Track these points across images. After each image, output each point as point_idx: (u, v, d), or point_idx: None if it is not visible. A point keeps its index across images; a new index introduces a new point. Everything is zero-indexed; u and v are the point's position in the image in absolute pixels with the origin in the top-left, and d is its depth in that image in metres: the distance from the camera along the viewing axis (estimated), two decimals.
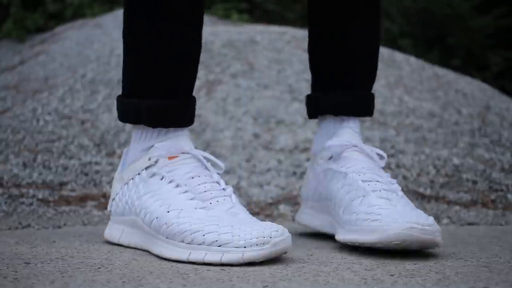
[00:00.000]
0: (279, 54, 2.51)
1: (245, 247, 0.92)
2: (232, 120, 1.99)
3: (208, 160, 1.05)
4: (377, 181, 1.08)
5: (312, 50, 1.20)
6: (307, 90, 2.26)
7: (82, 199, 1.47)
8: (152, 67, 1.04)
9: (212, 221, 0.95)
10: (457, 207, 1.54)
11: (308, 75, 2.37)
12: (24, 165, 1.63)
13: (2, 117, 1.95)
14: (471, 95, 2.44)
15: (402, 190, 1.58)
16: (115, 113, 2.01)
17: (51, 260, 0.93)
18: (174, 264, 0.93)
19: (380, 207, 1.03)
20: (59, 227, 1.28)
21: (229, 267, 0.91)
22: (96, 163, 1.67)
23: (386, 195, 1.06)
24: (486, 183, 1.68)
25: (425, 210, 1.51)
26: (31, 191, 1.48)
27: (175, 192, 1.00)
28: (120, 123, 1.91)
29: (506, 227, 1.39)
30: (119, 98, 1.08)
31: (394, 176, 1.68)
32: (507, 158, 1.86)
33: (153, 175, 1.03)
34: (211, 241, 0.93)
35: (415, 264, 0.94)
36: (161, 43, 1.03)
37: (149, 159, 1.03)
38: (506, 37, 3.97)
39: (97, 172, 1.62)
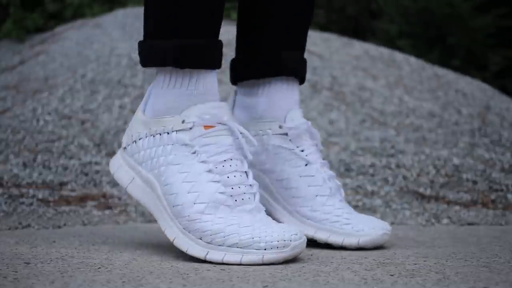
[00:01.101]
0: None
1: (265, 249, 0.92)
2: None
3: (243, 135, 1.01)
4: (335, 180, 1.12)
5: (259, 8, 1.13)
6: (307, 90, 2.27)
7: (82, 199, 1.47)
8: (181, 4, 0.99)
9: (233, 221, 0.94)
10: (457, 207, 1.54)
11: (308, 75, 2.37)
12: (24, 165, 1.63)
13: (2, 117, 1.95)
14: (471, 95, 2.44)
15: (402, 190, 1.58)
16: (115, 113, 2.02)
17: (51, 260, 0.93)
18: (174, 264, 0.93)
19: (344, 212, 1.09)
20: (59, 227, 1.28)
21: (229, 267, 0.91)
22: (96, 163, 1.67)
23: (342, 199, 1.12)
24: (486, 183, 1.68)
25: (425, 210, 1.51)
26: (31, 191, 1.48)
27: (206, 178, 0.97)
28: (120, 123, 1.91)
29: (506, 227, 1.39)
30: (142, 43, 1.02)
31: (394, 176, 1.68)
32: (507, 158, 1.86)
33: (186, 144, 0.98)
34: (232, 243, 0.93)
35: (415, 264, 0.94)
36: None
37: (183, 122, 0.99)
38: (506, 37, 3.98)
39: (97, 172, 1.62)
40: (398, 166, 1.73)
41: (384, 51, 2.77)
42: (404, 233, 1.26)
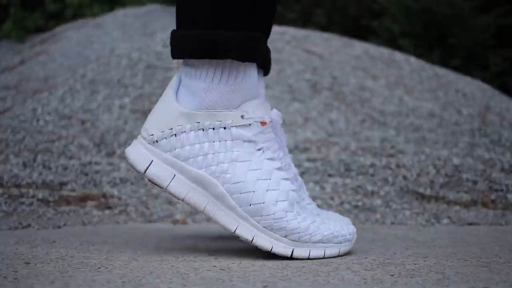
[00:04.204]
0: (279, 54, 2.51)
1: (341, 243, 0.99)
2: None
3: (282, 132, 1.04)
4: None
5: None
6: (307, 90, 2.27)
7: (82, 199, 1.47)
8: None
9: (310, 219, 0.98)
10: (457, 207, 1.54)
11: (308, 75, 2.38)
12: (24, 165, 1.63)
13: (2, 117, 1.95)
14: (471, 95, 2.44)
15: (402, 190, 1.58)
16: (115, 113, 2.02)
17: (51, 260, 0.93)
18: (174, 264, 0.93)
19: None
20: (59, 227, 1.28)
21: (229, 267, 0.91)
22: (96, 163, 1.67)
23: None
24: (486, 183, 1.68)
25: (425, 210, 1.51)
26: (31, 191, 1.48)
27: (279, 176, 0.97)
28: (120, 123, 1.91)
29: (506, 227, 1.39)
30: (192, 32, 0.94)
31: (394, 176, 1.68)
32: (507, 158, 1.86)
33: (249, 141, 0.96)
34: (317, 240, 0.97)
35: (415, 264, 0.94)
36: None
37: (242, 117, 0.95)
38: (506, 37, 3.98)
39: (97, 172, 1.62)
40: (398, 166, 1.73)
41: (384, 51, 2.77)
42: (404, 233, 1.26)
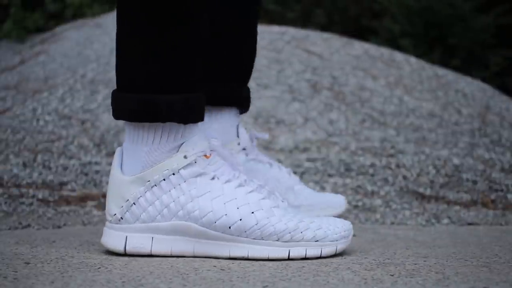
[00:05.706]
0: (279, 54, 2.51)
1: (337, 240, 0.99)
2: None
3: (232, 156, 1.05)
4: None
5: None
6: (307, 90, 2.27)
7: (82, 199, 1.47)
8: (180, 60, 0.98)
9: (297, 218, 0.99)
10: (457, 207, 1.54)
11: (308, 75, 2.38)
12: (24, 165, 1.63)
13: (2, 117, 1.95)
14: (471, 95, 2.44)
15: (402, 190, 1.58)
16: None
17: (51, 260, 0.93)
18: (174, 264, 0.93)
19: None
20: (59, 227, 1.28)
21: (229, 267, 0.91)
22: (96, 163, 1.67)
23: None
24: (486, 183, 1.68)
25: (425, 210, 1.51)
26: (31, 191, 1.48)
27: (243, 191, 0.99)
28: (120, 123, 1.91)
29: (506, 227, 1.39)
30: (134, 96, 0.99)
31: (394, 176, 1.68)
32: (507, 158, 1.86)
33: (200, 174, 0.98)
34: (310, 238, 0.98)
35: (415, 264, 0.94)
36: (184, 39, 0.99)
37: (185, 157, 0.98)
38: (506, 37, 3.97)
39: (97, 172, 1.62)
40: (398, 166, 1.73)
41: (384, 51, 2.77)
42: (404, 233, 1.26)
